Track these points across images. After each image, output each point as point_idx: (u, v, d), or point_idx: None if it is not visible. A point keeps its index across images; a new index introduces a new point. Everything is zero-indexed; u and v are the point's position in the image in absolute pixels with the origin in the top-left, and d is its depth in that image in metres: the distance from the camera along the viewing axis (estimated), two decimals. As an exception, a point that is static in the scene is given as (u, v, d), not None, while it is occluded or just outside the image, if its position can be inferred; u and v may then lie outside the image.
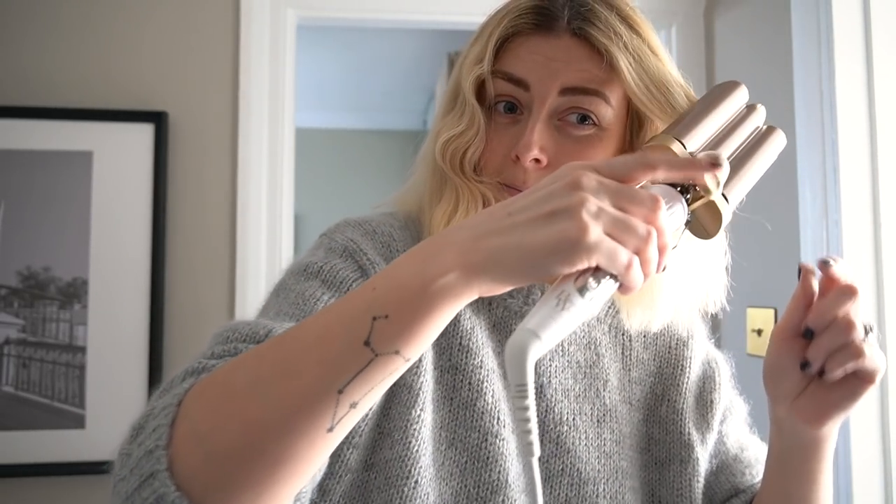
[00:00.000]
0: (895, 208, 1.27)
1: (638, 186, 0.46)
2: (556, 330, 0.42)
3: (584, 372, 0.75)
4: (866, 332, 0.60)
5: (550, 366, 0.73)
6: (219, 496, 0.44)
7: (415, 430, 0.65)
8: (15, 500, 1.46)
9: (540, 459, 0.70)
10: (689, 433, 0.77)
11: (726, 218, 0.57)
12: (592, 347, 0.76)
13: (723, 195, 0.56)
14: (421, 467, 0.64)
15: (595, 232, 0.41)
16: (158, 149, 1.51)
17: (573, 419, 0.73)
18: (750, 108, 0.66)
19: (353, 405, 0.44)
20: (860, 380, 0.61)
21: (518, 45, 0.68)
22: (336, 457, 0.64)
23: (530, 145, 0.65)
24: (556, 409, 0.72)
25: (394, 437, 0.65)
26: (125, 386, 1.47)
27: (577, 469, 0.71)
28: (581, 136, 0.67)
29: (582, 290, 0.43)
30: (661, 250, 0.45)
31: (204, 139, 1.56)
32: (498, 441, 0.68)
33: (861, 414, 1.24)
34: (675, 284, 0.72)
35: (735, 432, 0.83)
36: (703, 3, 1.77)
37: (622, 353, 0.78)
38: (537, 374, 0.73)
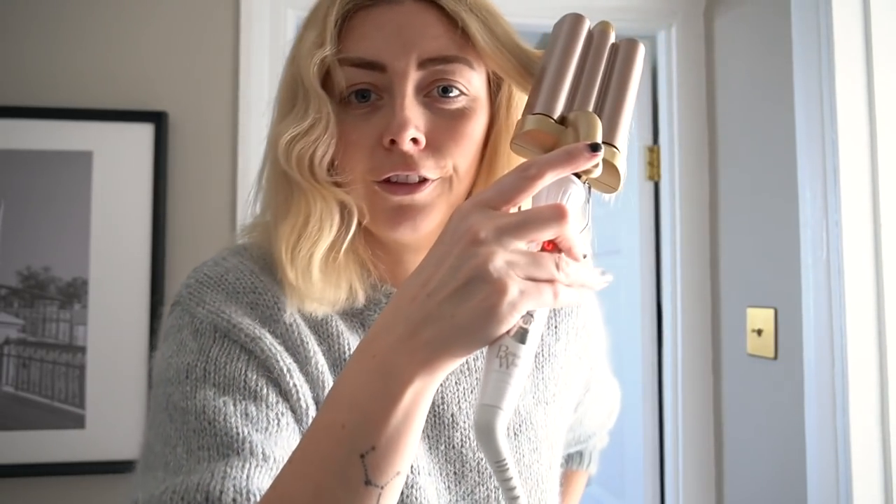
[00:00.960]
0: (895, 208, 1.27)
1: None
2: (512, 391, 0.43)
3: None
4: None
5: (458, 389, 0.68)
6: None
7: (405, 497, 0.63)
8: (15, 500, 1.46)
9: (465, 491, 0.66)
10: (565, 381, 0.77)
11: (622, 168, 0.54)
12: None
13: (610, 145, 0.54)
14: None
15: (513, 287, 0.41)
16: (158, 149, 1.51)
17: None
18: (596, 34, 0.61)
19: None
20: None
21: (360, 21, 0.61)
22: None
23: (405, 123, 0.58)
24: (472, 437, 0.67)
25: None
26: (125, 386, 1.47)
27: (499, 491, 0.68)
28: (452, 109, 0.61)
29: (521, 337, 0.44)
30: (571, 252, 0.46)
31: (204, 139, 1.56)
32: (415, 491, 0.63)
33: (861, 413, 1.24)
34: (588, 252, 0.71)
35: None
36: (703, 3, 1.77)
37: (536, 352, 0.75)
38: (446, 404, 0.67)
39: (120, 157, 1.50)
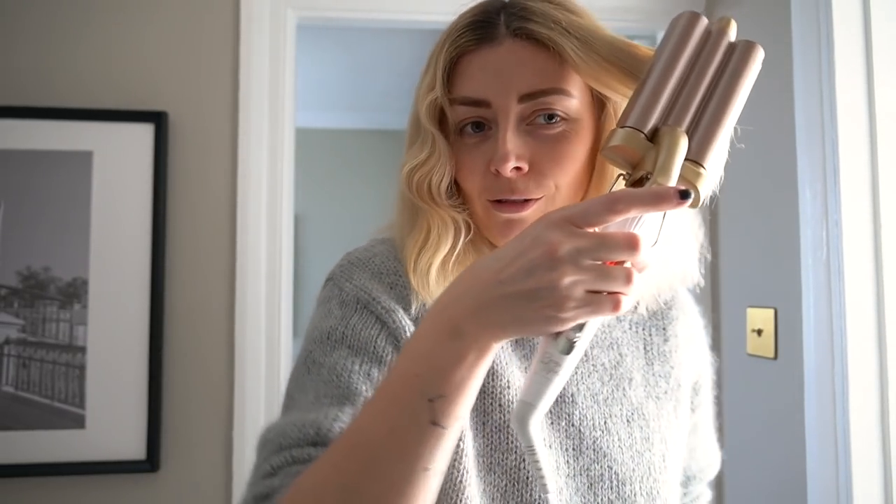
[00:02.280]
0: (895, 208, 1.27)
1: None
2: (549, 394, 0.51)
3: (610, 374, 0.76)
4: None
5: (576, 373, 0.74)
6: None
7: (456, 462, 0.66)
8: (15, 500, 1.46)
9: (581, 466, 0.72)
10: (710, 414, 0.83)
11: (704, 190, 0.57)
12: (615, 348, 0.77)
13: (697, 164, 0.57)
14: (467, 498, 0.66)
15: (572, 304, 0.48)
16: (158, 149, 1.51)
17: (604, 423, 0.74)
18: (714, 33, 0.63)
19: (441, 472, 0.51)
20: None
21: (466, 64, 0.69)
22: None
23: (506, 156, 0.65)
24: (589, 416, 0.73)
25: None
26: (125, 386, 1.47)
27: (615, 471, 0.73)
28: (552, 134, 0.67)
29: (567, 349, 0.51)
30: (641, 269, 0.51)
31: (204, 139, 1.56)
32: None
33: (861, 413, 1.24)
34: (669, 257, 0.73)
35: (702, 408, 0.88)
36: (703, 3, 1.77)
37: (644, 348, 0.79)
38: (568, 384, 0.73)
39: (120, 157, 1.50)
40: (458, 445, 0.66)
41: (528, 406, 0.51)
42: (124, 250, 1.49)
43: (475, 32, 0.68)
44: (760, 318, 1.52)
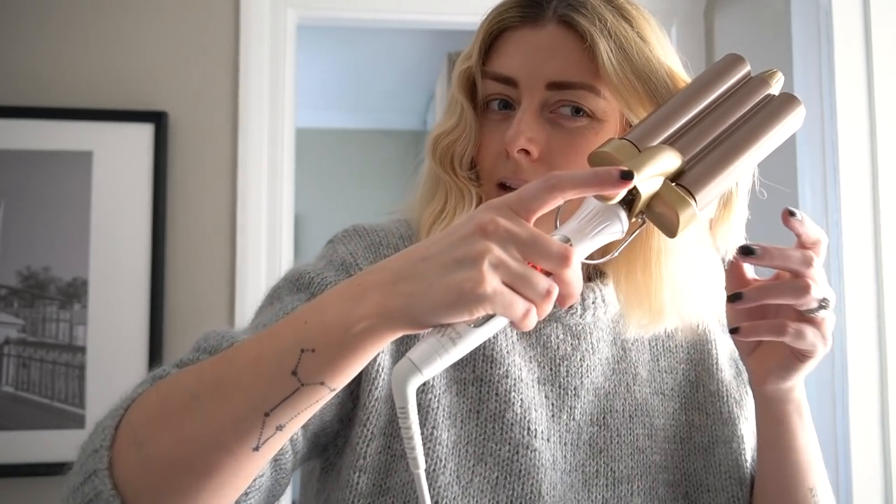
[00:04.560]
0: (895, 208, 1.27)
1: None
2: (438, 363, 0.46)
3: (613, 368, 0.74)
4: (819, 307, 0.60)
5: (582, 365, 0.72)
6: (149, 501, 0.48)
7: (426, 450, 0.64)
8: (15, 500, 1.46)
9: (577, 462, 0.70)
10: (729, 411, 0.75)
11: (683, 225, 0.53)
12: (619, 342, 0.75)
13: (688, 192, 0.53)
14: (440, 487, 0.64)
15: (491, 284, 0.44)
16: (158, 149, 1.51)
17: (604, 418, 0.72)
18: (755, 81, 0.61)
19: (280, 427, 0.47)
20: (793, 354, 0.63)
21: (506, 40, 0.67)
22: (346, 482, 0.65)
23: (516, 136, 0.64)
24: (589, 410, 0.72)
25: (406, 460, 0.64)
26: (125, 386, 1.46)
27: (612, 469, 0.71)
28: (574, 127, 0.65)
29: (478, 321, 0.46)
30: (566, 297, 0.47)
31: (204, 139, 1.56)
32: (530, 453, 0.67)
33: (861, 413, 1.24)
34: (676, 289, 0.68)
35: None
36: (703, 3, 1.77)
37: (649, 343, 0.76)
38: (570, 376, 0.71)
39: (120, 157, 1.50)
40: (425, 433, 0.64)
41: (413, 369, 0.46)
42: (124, 250, 1.49)
43: (522, 10, 0.66)
44: (760, 318, 1.52)
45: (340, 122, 4.06)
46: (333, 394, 0.48)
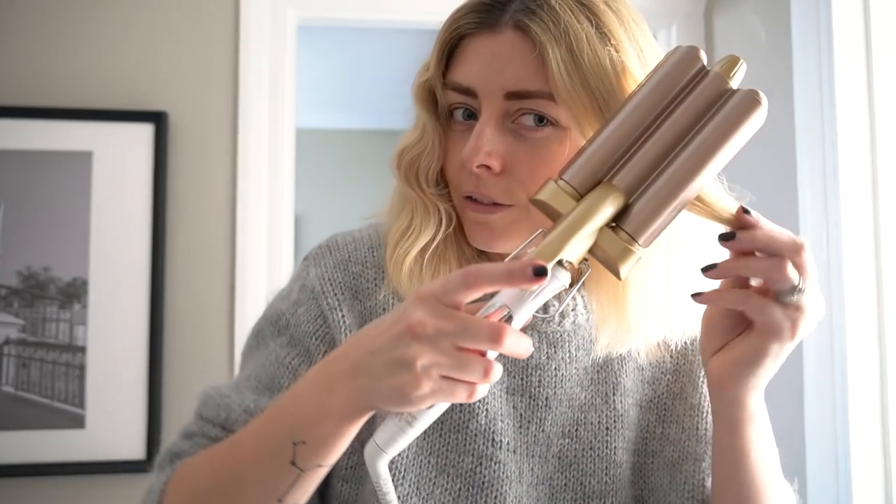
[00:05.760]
0: (895, 208, 1.27)
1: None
2: (400, 443, 0.52)
3: (592, 378, 0.71)
4: (792, 291, 0.56)
5: (556, 375, 0.69)
6: None
7: None
8: (15, 500, 1.46)
9: (545, 475, 0.68)
10: (706, 428, 0.71)
11: (625, 269, 0.52)
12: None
13: (632, 237, 0.52)
14: (399, 498, 0.64)
15: (428, 385, 0.48)
16: (158, 149, 1.51)
17: (577, 430, 0.69)
18: (710, 76, 0.55)
19: (295, 502, 0.55)
20: (758, 347, 0.59)
21: (464, 48, 0.64)
22: (333, 491, 0.69)
23: (475, 151, 0.61)
24: (561, 422, 0.69)
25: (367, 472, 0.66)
26: (125, 386, 1.47)
27: (581, 483, 0.68)
28: (536, 138, 0.61)
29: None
30: (517, 357, 0.51)
31: (204, 139, 1.56)
32: (493, 464, 0.66)
33: (861, 413, 1.24)
34: (645, 308, 0.64)
35: None
36: (703, 3, 1.77)
37: (636, 353, 0.72)
38: (542, 386, 0.69)
39: (120, 157, 1.50)
40: None
41: (379, 451, 0.52)
42: (124, 250, 1.49)
43: (478, 15, 0.62)
44: (760, 318, 1.52)
45: (340, 122, 4.05)
46: (331, 466, 0.55)
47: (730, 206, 0.58)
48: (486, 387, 0.50)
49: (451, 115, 0.66)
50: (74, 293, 1.47)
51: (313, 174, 3.80)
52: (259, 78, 1.57)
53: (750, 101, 0.54)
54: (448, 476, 0.66)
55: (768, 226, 0.57)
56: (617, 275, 0.53)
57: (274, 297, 0.75)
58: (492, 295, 0.52)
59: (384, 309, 0.68)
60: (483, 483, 0.65)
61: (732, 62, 0.55)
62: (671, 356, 0.73)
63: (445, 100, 0.65)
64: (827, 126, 1.29)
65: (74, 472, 1.44)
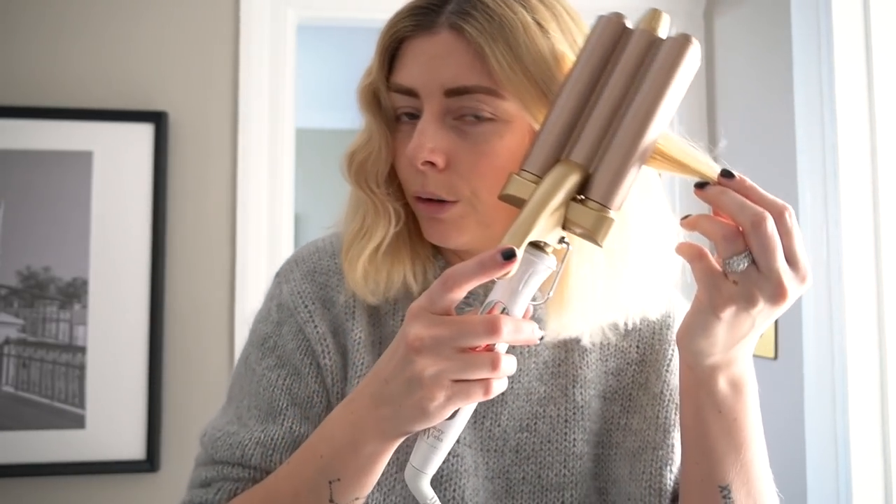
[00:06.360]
0: (895, 208, 1.27)
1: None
2: (435, 460, 0.54)
3: (552, 371, 0.71)
4: (729, 264, 0.53)
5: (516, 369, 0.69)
6: None
7: None
8: (15, 500, 1.46)
9: (501, 468, 0.69)
10: (666, 417, 0.71)
11: (602, 234, 0.53)
12: (564, 344, 0.71)
13: (602, 204, 0.53)
14: None
15: (442, 394, 0.50)
16: (158, 149, 1.51)
17: (534, 424, 0.70)
18: (636, 35, 0.56)
19: None
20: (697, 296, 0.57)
21: (404, 51, 0.65)
22: None
23: (418, 148, 0.61)
24: (517, 416, 0.70)
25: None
26: (125, 386, 1.47)
27: (539, 476, 0.69)
28: (478, 133, 0.62)
29: (451, 415, 0.53)
30: (526, 344, 0.52)
31: (204, 139, 1.56)
32: (451, 458, 0.67)
33: (861, 413, 1.24)
34: (587, 291, 0.64)
35: None
36: (703, 3, 1.77)
37: (600, 344, 0.72)
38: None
39: (120, 157, 1.50)
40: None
41: (416, 472, 0.54)
42: (124, 250, 1.49)
43: (415, 18, 0.64)
44: (760, 318, 1.52)
45: (340, 123, 4.05)
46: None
47: (712, 166, 0.57)
48: (502, 381, 0.52)
49: (398, 117, 0.67)
50: (74, 293, 1.47)
51: (313, 174, 3.80)
52: (259, 78, 1.57)
53: (681, 44, 0.55)
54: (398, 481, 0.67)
55: (748, 192, 0.54)
56: (598, 242, 0.54)
57: (254, 319, 0.76)
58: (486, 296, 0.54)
59: (346, 314, 0.70)
60: (442, 477, 0.67)
61: (653, 15, 0.57)
62: (637, 346, 0.73)
63: (391, 102, 0.67)
64: (827, 126, 1.29)
65: (74, 472, 1.45)
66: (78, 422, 1.45)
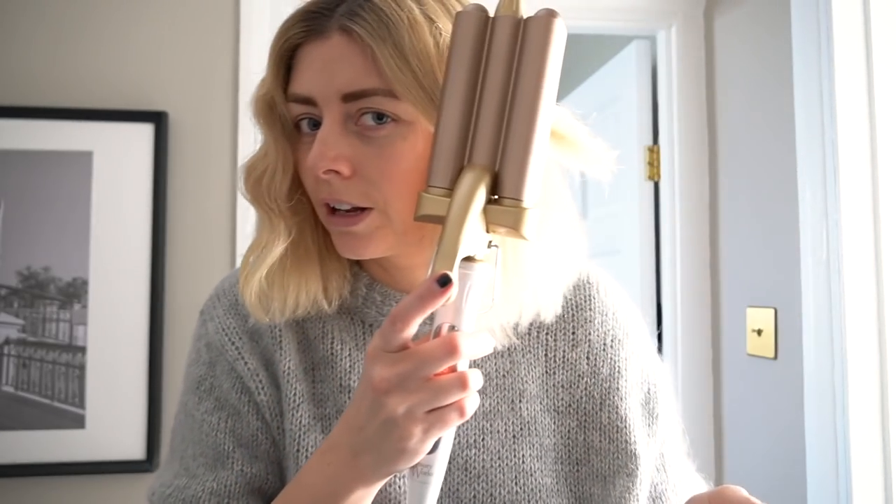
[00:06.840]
0: (895, 208, 1.27)
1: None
2: (431, 495, 0.54)
3: (496, 384, 0.69)
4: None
5: None
6: None
7: (293, 464, 0.66)
8: (15, 500, 1.46)
9: (449, 487, 0.66)
10: (634, 444, 0.69)
11: (527, 228, 0.53)
12: (507, 355, 0.69)
13: (514, 199, 0.53)
14: None
15: (419, 428, 0.50)
16: (158, 149, 1.51)
17: (482, 439, 0.67)
18: (498, 25, 0.55)
19: None
20: None
21: (299, 58, 0.63)
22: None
23: (319, 157, 0.59)
24: (462, 433, 0.67)
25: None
26: (125, 386, 1.47)
27: (490, 494, 0.67)
28: (380, 136, 0.60)
29: (431, 447, 0.52)
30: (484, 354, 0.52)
31: (204, 139, 1.56)
32: (398, 479, 0.65)
33: (861, 413, 1.24)
34: (522, 282, 0.62)
35: (673, 461, 0.76)
36: (703, 4, 1.77)
37: (544, 354, 0.70)
38: None
39: (120, 157, 1.50)
40: (297, 469, 0.65)
41: None
42: (124, 250, 1.49)
43: (306, 24, 0.62)
44: (760, 318, 1.52)
45: (340, 122, 4.05)
46: None
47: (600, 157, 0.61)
48: (474, 397, 0.51)
49: (298, 127, 0.64)
50: (74, 293, 1.47)
51: (313, 174, 3.80)
52: (259, 78, 1.57)
53: (544, 20, 0.54)
54: None
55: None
56: (524, 238, 0.54)
57: (186, 363, 0.74)
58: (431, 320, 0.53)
59: (273, 344, 0.68)
60: (390, 499, 0.65)
61: (510, 1, 0.56)
62: (587, 358, 0.71)
63: (289, 113, 0.64)
64: (827, 125, 1.29)
65: (74, 472, 1.45)
66: (78, 422, 1.45)
